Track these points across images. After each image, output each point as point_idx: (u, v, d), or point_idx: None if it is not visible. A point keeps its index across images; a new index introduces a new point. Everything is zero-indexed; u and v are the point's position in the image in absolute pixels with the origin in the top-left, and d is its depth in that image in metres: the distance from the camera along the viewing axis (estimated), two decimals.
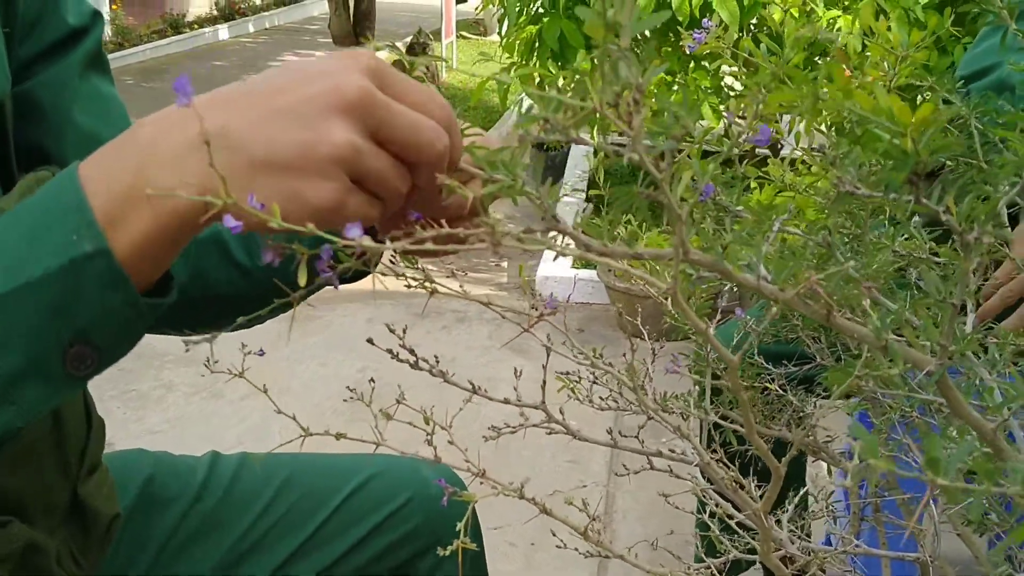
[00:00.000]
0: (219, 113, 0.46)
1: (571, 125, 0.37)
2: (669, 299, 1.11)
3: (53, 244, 0.46)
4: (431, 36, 7.77)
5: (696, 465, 0.80)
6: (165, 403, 2.80)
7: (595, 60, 0.37)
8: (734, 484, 0.63)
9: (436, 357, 0.65)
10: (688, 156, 0.40)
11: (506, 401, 0.70)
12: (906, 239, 0.58)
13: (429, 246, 0.42)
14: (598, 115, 0.37)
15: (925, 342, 0.41)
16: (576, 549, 0.89)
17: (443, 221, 0.43)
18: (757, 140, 0.41)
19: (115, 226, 0.46)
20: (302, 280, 0.44)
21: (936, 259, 0.59)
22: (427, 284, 0.56)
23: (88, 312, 0.46)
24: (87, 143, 0.73)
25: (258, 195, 0.44)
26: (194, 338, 0.51)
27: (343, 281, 0.52)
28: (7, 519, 0.66)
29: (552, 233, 0.43)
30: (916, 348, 0.42)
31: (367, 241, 0.41)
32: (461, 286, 0.59)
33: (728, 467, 0.78)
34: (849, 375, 0.49)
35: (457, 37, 8.50)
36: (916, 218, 0.59)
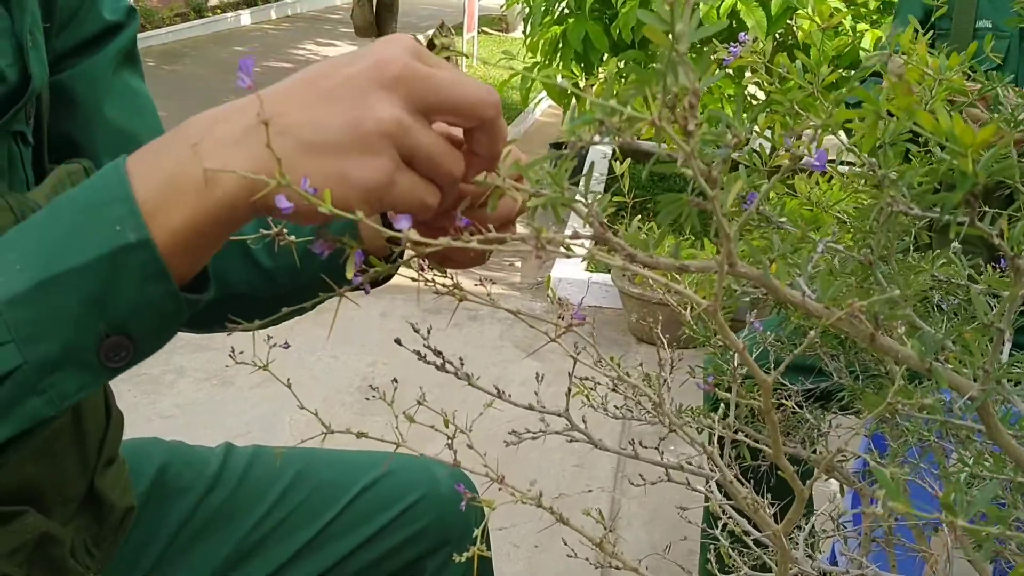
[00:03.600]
0: (267, 105, 0.46)
1: (626, 129, 0.36)
2: (690, 310, 1.10)
3: (96, 233, 0.46)
4: (453, 30, 7.77)
5: (714, 480, 0.80)
6: (176, 388, 2.80)
7: (628, 63, 0.36)
8: (754, 504, 0.62)
9: (461, 360, 0.65)
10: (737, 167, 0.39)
11: (530, 407, 0.69)
12: (943, 264, 0.57)
13: (474, 243, 0.42)
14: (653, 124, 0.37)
15: (966, 368, 0.40)
16: (587, 559, 0.88)
17: (490, 226, 0.43)
18: (813, 164, 0.41)
19: (156, 215, 0.46)
20: (350, 273, 0.43)
21: (974, 285, 0.58)
22: (456, 291, 0.55)
23: (127, 303, 0.46)
24: (116, 137, 0.74)
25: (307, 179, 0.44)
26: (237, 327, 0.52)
27: (372, 285, 0.52)
28: (23, 509, 0.66)
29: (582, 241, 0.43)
30: (958, 372, 0.41)
31: (414, 234, 0.40)
32: (488, 293, 0.59)
33: (744, 484, 0.77)
34: (881, 400, 0.48)
35: (479, 33, 8.50)
36: (955, 243, 0.59)
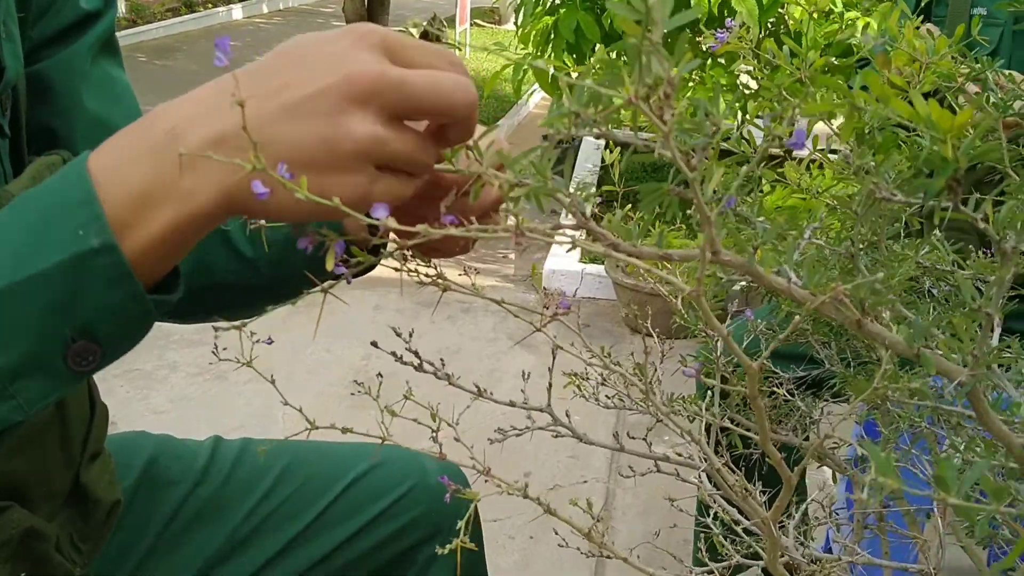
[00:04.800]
0: (234, 114, 0.44)
1: (601, 120, 0.36)
2: (680, 299, 1.10)
3: (59, 238, 0.44)
4: (445, 23, 7.75)
5: (703, 470, 0.80)
6: (168, 383, 2.80)
7: (619, 53, 0.36)
8: (743, 491, 0.62)
9: (442, 360, 0.65)
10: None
11: (512, 404, 0.69)
12: (928, 251, 0.57)
13: (453, 231, 0.41)
14: (623, 111, 0.36)
15: (955, 353, 0.40)
16: (578, 548, 0.88)
17: (472, 218, 0.42)
18: (793, 144, 0.41)
19: (130, 227, 0.45)
20: (330, 265, 0.43)
21: (960, 270, 0.58)
22: (439, 281, 0.55)
23: (92, 308, 0.45)
24: (96, 127, 0.73)
25: (282, 193, 0.43)
26: (223, 325, 0.50)
27: (355, 275, 0.51)
28: (7, 504, 0.66)
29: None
30: (948, 358, 0.41)
31: (392, 222, 0.40)
32: (472, 283, 0.58)
33: (734, 471, 0.77)
34: (869, 385, 0.48)
35: (471, 25, 8.47)
36: (937, 231, 0.58)
